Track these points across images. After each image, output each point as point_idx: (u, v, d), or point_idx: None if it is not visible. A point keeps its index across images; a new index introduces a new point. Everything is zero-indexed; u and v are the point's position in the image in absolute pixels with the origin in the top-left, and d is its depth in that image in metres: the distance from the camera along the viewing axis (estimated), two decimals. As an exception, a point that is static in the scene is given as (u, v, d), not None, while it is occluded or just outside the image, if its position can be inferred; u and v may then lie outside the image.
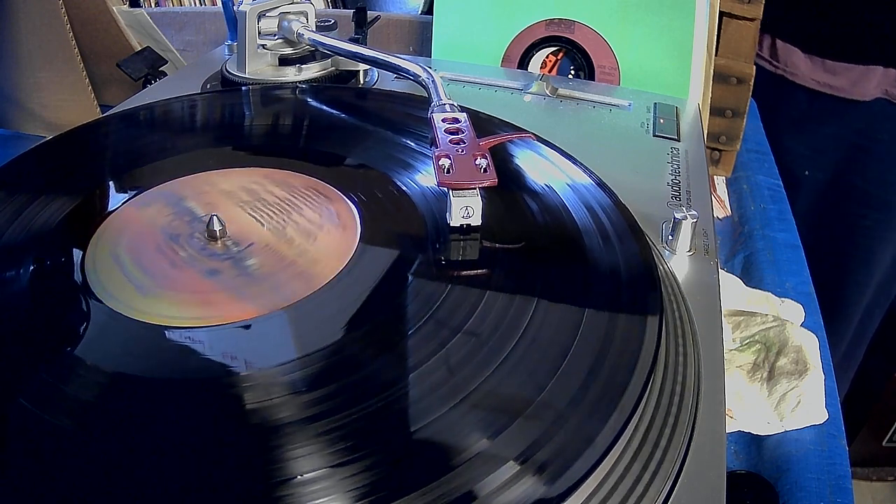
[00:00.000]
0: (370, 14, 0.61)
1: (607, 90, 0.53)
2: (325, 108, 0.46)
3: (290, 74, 0.51)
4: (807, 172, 0.88)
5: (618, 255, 0.31)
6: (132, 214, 0.34)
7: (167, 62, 0.63)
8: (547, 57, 0.57)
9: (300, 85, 0.49)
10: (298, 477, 0.21)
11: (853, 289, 0.91)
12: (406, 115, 0.43)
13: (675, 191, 0.41)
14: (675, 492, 0.24)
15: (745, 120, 0.61)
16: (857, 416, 1.11)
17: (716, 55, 0.56)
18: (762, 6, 0.57)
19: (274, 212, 0.34)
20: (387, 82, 0.53)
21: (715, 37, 0.54)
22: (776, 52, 0.85)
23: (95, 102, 0.64)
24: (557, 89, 0.52)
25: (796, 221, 0.61)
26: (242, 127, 0.44)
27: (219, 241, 0.32)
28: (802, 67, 0.83)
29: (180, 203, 0.35)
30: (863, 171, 0.85)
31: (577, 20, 0.55)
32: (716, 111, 0.59)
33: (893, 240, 0.87)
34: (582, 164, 0.38)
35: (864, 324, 0.95)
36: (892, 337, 1.03)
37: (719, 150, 0.63)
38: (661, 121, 0.49)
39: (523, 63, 0.57)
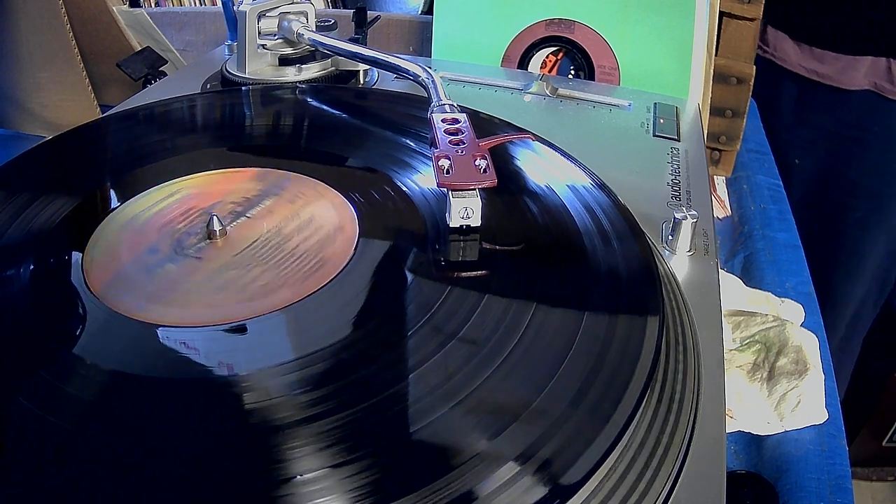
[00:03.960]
0: (370, 14, 0.61)
1: (607, 90, 0.53)
2: (325, 108, 0.46)
3: (290, 74, 0.51)
4: (797, 161, 0.88)
5: (618, 256, 0.31)
6: (132, 214, 0.34)
7: (167, 62, 0.63)
8: (547, 57, 0.57)
9: (300, 85, 0.49)
10: (298, 477, 0.21)
11: (845, 279, 0.91)
12: (406, 116, 0.43)
13: (675, 191, 0.41)
14: (675, 492, 0.24)
15: (745, 120, 0.61)
16: (857, 416, 1.11)
17: (716, 55, 0.56)
18: (762, 6, 0.57)
19: (273, 212, 0.34)
20: (387, 82, 0.53)
21: (715, 37, 0.54)
22: (766, 36, 0.85)
23: (95, 102, 0.64)
24: (557, 89, 0.52)
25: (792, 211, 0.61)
26: (242, 127, 0.44)
27: (218, 241, 0.32)
28: (791, 54, 0.84)
29: (179, 203, 0.35)
30: (854, 162, 0.85)
31: (577, 20, 0.55)
32: (716, 111, 0.59)
33: (885, 231, 0.88)
34: (582, 164, 0.38)
35: (858, 315, 0.95)
36: (891, 336, 1.03)
37: (719, 150, 0.63)
38: (661, 121, 0.49)
39: (523, 63, 0.57)
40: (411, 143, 0.40)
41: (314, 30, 0.51)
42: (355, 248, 0.32)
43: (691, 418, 0.26)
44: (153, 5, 0.82)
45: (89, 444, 0.23)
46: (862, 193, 0.86)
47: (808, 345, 0.42)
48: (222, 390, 0.25)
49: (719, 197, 0.64)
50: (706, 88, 0.55)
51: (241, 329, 0.27)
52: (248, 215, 0.34)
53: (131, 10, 0.65)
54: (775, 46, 0.84)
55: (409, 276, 0.30)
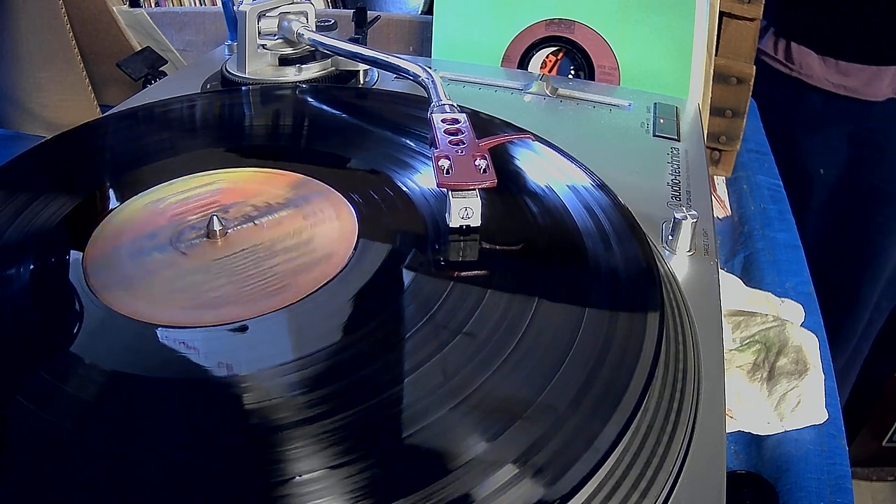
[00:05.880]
0: (370, 14, 0.61)
1: (607, 90, 0.53)
2: (324, 108, 0.46)
3: (290, 74, 0.50)
4: (822, 171, 0.90)
5: (618, 256, 0.31)
6: (132, 214, 0.34)
7: (167, 62, 0.63)
8: (547, 57, 0.57)
9: (300, 85, 0.49)
10: (297, 477, 0.21)
11: (865, 284, 0.93)
12: (406, 116, 0.43)
13: (675, 191, 0.41)
14: (675, 492, 0.24)
15: (745, 120, 0.61)
16: (858, 416, 1.11)
17: (716, 55, 0.56)
18: (762, 6, 0.57)
19: (273, 212, 0.34)
20: (387, 82, 0.53)
21: (715, 37, 0.54)
22: (791, 54, 0.87)
23: (95, 102, 0.64)
24: (557, 89, 0.52)
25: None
26: (242, 127, 0.44)
27: (218, 241, 0.32)
28: (817, 69, 0.85)
29: (179, 203, 0.35)
30: (875, 169, 0.87)
31: (577, 20, 0.55)
32: (716, 111, 0.59)
33: None
34: (582, 164, 0.38)
35: (872, 320, 0.97)
36: (893, 337, 1.03)
37: (719, 150, 0.63)
38: (661, 121, 0.49)
39: (523, 63, 0.57)
40: (411, 143, 0.40)
41: (314, 30, 0.51)
42: (355, 249, 0.32)
43: (691, 418, 0.26)
44: (153, 5, 0.82)
45: (89, 443, 0.23)
46: (882, 199, 0.87)
47: (808, 345, 0.42)
48: (222, 390, 0.25)
49: (719, 197, 0.64)
50: (706, 88, 0.55)
51: (241, 329, 0.27)
52: (247, 215, 0.34)
53: (131, 10, 0.65)
54: (800, 63, 0.86)
55: (409, 277, 0.30)
